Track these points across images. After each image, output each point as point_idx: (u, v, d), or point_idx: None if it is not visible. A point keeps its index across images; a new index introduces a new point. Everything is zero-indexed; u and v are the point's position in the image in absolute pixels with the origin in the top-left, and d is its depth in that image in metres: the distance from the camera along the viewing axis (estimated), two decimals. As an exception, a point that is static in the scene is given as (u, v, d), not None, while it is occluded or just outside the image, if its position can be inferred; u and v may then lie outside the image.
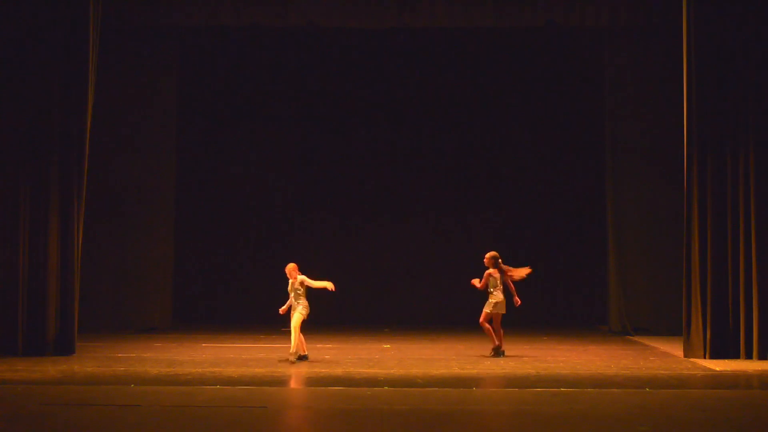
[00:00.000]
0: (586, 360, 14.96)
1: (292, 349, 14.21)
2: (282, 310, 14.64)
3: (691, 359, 14.85)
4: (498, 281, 14.97)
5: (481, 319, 15.01)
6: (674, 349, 15.96)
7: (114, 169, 19.56)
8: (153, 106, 20.02)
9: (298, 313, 14.22)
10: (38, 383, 12.17)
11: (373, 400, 11.00)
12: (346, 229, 22.36)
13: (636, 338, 18.57)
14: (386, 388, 11.86)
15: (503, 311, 15.05)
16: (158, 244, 20.00)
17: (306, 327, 14.47)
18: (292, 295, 14.38)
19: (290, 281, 14.37)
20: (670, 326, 18.36)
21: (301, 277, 14.30)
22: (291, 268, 14.43)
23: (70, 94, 15.32)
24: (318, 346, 16.11)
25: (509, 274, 15.10)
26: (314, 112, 22.28)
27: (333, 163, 22.36)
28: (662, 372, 13.47)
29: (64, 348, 15.00)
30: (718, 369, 13.84)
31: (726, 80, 15.14)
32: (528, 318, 21.02)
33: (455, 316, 20.88)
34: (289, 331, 14.30)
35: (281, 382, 12.63)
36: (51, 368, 13.40)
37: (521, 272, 15.16)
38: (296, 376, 13.10)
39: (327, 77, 22.13)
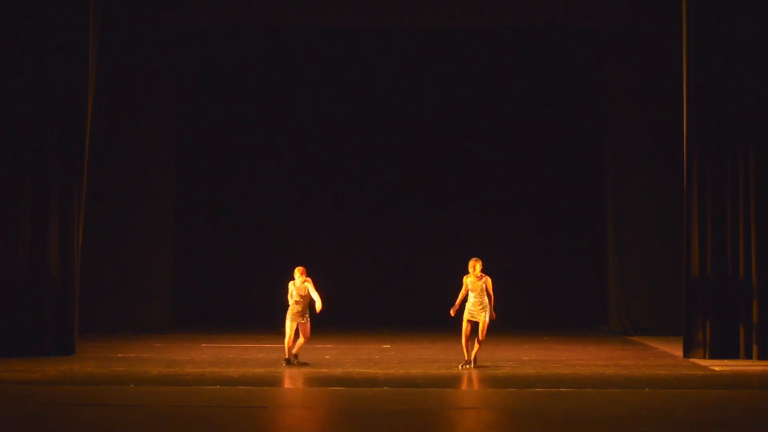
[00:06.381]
0: (586, 360, 14.96)
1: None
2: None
3: (691, 359, 14.84)
4: None
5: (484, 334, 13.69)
6: (674, 349, 15.95)
7: (114, 169, 19.55)
8: (153, 105, 20.01)
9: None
10: (38, 383, 12.17)
11: (373, 400, 11.00)
12: (346, 229, 22.33)
13: (636, 338, 18.57)
14: (386, 388, 11.86)
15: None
16: (158, 244, 19.99)
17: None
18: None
19: (308, 285, 13.75)
20: (670, 326, 18.35)
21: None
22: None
23: (70, 94, 15.32)
24: (318, 346, 16.09)
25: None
26: (314, 112, 22.25)
27: (333, 163, 22.34)
28: (662, 372, 13.47)
29: (64, 348, 15.00)
30: (718, 369, 13.84)
31: (726, 80, 15.13)
32: (528, 318, 21.07)
33: (455, 316, 20.81)
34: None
35: (281, 382, 12.63)
36: (51, 368, 13.39)
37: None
38: (296, 376, 13.10)
39: (327, 77, 22.10)
